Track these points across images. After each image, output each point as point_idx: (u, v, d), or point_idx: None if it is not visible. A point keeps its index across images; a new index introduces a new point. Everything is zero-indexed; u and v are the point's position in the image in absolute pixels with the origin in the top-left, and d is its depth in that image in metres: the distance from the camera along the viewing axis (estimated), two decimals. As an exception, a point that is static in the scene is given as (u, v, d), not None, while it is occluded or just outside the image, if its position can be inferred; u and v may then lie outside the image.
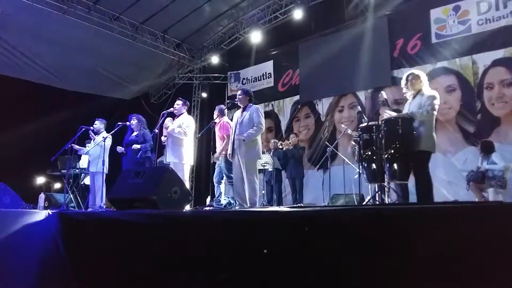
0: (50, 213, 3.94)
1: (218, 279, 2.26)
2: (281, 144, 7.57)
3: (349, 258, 1.90)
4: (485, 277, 1.59)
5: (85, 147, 6.62)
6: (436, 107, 3.98)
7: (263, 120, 4.77)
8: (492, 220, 1.67)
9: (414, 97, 4.15)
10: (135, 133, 6.04)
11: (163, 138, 5.41)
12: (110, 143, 6.28)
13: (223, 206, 5.38)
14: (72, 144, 5.95)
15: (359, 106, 7.58)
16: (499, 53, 6.66)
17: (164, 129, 5.37)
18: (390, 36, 7.97)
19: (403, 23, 7.86)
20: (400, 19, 7.91)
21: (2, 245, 4.10)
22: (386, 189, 4.09)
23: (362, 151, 4.25)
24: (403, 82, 4.25)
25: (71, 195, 6.55)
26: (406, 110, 4.19)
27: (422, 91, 4.09)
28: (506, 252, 1.56)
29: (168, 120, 5.41)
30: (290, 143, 7.53)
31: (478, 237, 1.64)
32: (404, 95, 4.36)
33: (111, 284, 3.09)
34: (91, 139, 6.42)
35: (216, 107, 6.19)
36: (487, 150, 5.77)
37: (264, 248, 2.10)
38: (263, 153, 6.51)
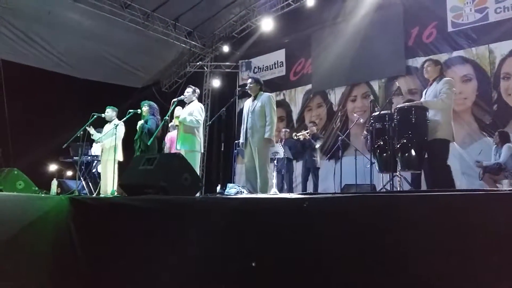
0: (63, 198, 3.99)
1: (227, 267, 2.26)
2: (296, 136, 7.49)
3: (350, 247, 1.87)
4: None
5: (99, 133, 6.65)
6: (451, 95, 3.88)
7: (275, 110, 4.72)
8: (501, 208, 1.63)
9: (430, 84, 4.07)
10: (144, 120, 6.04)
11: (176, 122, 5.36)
12: (123, 130, 6.31)
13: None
14: (87, 128, 5.97)
15: (371, 95, 7.48)
16: (517, 42, 6.49)
17: (174, 118, 5.33)
18: (405, 24, 7.82)
19: (419, 11, 7.67)
20: (416, 7, 7.72)
21: (15, 228, 4.17)
22: (398, 178, 4.04)
23: (374, 141, 4.20)
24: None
25: (83, 182, 6.61)
26: (422, 97, 4.12)
27: (439, 78, 4.00)
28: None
29: (177, 109, 5.38)
30: (308, 133, 7.45)
31: (486, 225, 1.59)
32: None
33: (121, 269, 3.12)
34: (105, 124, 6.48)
35: None
36: (503, 140, 5.66)
37: (263, 237, 2.08)
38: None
